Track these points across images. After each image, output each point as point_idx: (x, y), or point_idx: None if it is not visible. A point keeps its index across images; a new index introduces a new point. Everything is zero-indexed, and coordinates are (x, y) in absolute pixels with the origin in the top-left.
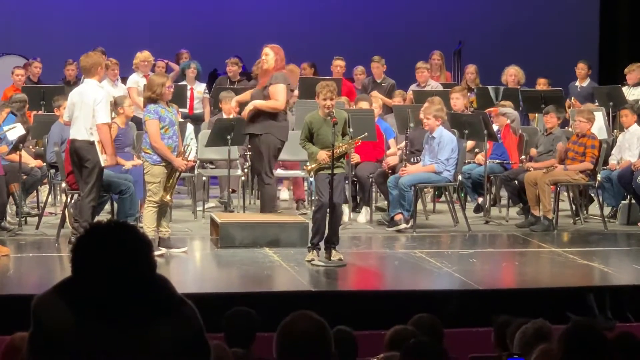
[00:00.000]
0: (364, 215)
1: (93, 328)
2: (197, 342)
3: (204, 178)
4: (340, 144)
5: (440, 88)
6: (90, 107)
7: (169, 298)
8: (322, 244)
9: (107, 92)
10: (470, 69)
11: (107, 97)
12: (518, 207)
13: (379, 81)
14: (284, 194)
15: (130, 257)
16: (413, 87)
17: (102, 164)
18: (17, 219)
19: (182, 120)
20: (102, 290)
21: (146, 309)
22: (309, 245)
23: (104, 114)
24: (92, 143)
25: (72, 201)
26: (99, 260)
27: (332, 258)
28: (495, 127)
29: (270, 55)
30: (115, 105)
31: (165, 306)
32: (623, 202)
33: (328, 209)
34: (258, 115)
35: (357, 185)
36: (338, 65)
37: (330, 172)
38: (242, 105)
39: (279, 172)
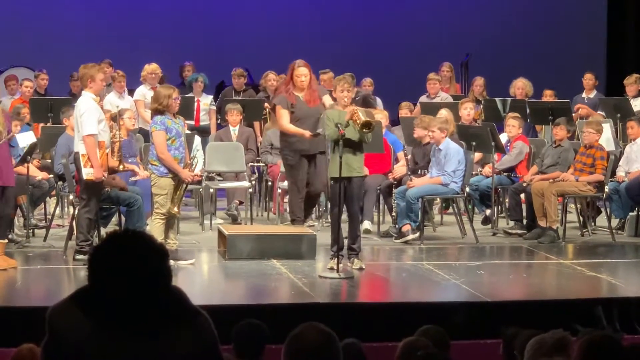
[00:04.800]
0: (367, 225)
1: (109, 337)
2: (211, 353)
3: (211, 190)
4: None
5: (450, 99)
6: (78, 119)
7: (184, 308)
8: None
9: (93, 105)
10: (479, 82)
11: (93, 109)
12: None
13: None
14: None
15: (147, 266)
16: (423, 98)
17: (84, 177)
18: (25, 231)
19: (190, 132)
20: (119, 299)
21: (162, 319)
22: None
23: (88, 125)
24: (83, 155)
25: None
26: (116, 269)
27: (353, 267)
28: (504, 139)
29: (309, 73)
30: (118, 116)
31: (180, 316)
32: (631, 213)
33: (343, 217)
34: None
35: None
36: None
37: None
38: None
39: (285, 184)
